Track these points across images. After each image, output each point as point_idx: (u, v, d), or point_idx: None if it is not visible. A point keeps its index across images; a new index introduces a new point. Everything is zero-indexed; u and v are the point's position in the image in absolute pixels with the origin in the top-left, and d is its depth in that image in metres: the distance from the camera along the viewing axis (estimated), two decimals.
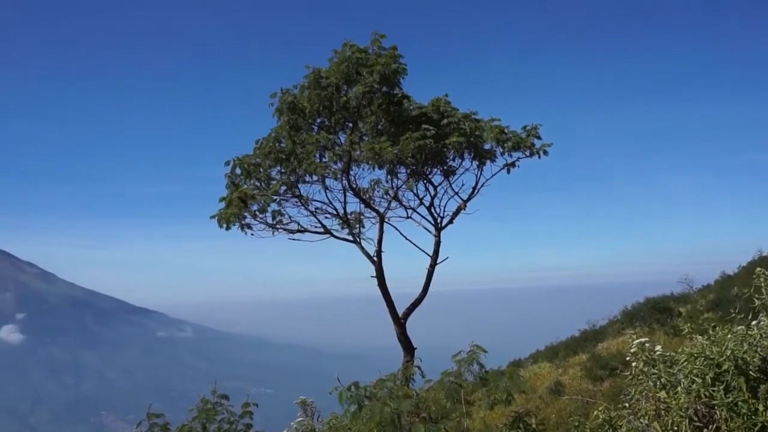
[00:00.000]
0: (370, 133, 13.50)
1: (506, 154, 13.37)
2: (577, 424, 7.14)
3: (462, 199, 14.03)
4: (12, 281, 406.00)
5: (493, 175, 13.76)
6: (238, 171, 13.34)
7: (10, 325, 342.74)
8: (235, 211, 13.00)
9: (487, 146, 13.38)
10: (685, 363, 5.50)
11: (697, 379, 5.33)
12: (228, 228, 13.23)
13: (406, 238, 14.21)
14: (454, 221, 14.22)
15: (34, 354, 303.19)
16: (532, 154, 13.25)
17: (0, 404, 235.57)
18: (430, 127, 12.49)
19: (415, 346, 13.76)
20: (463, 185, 14.03)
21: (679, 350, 5.74)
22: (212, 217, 13.30)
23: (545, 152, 13.21)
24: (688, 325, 6.35)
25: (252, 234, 13.63)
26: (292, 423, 12.98)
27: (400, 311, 14.04)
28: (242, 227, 13.42)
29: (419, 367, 9.93)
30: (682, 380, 5.45)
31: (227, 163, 13.35)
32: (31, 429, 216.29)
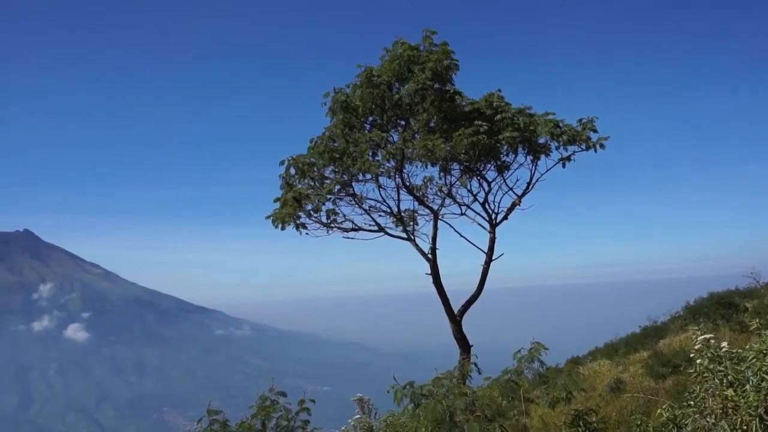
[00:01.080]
0: (423, 130, 13.42)
1: (561, 148, 13.13)
2: (639, 422, 7.00)
3: (516, 195, 13.87)
4: (77, 281, 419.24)
5: (548, 170, 13.55)
6: (292, 171, 13.44)
7: (76, 323, 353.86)
8: (290, 210, 13.10)
9: (541, 140, 13.17)
10: (754, 360, 5.34)
11: (767, 376, 5.17)
12: (283, 228, 13.36)
13: (461, 235, 14.11)
14: (508, 217, 14.06)
15: (98, 352, 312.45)
16: (588, 148, 12.97)
17: (68, 401, 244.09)
18: (483, 123, 12.37)
19: (471, 344, 13.67)
20: (517, 180, 13.87)
21: (747, 347, 5.56)
22: (267, 217, 13.44)
23: (602, 146, 12.91)
24: (757, 320, 6.15)
25: (307, 233, 13.72)
26: (349, 420, 13.05)
27: (456, 308, 13.95)
28: (297, 227, 13.51)
29: (476, 365, 9.85)
30: (751, 378, 5.29)
31: (282, 163, 13.47)
32: (96, 424, 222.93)
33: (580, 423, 8.51)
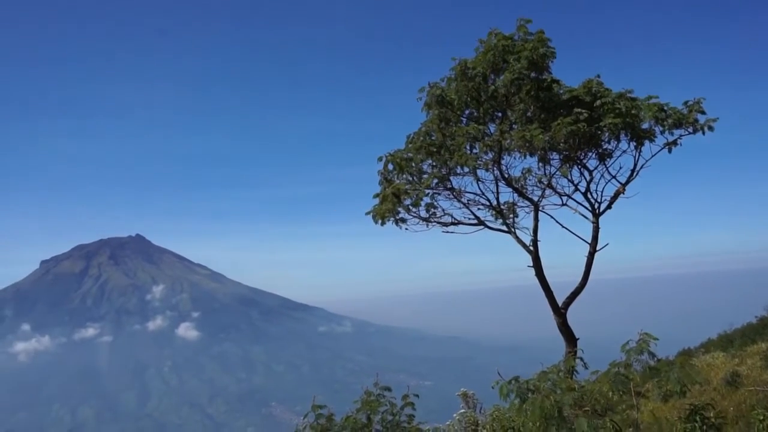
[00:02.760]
0: (520, 121, 13.20)
1: (666, 132, 12.59)
2: (762, 417, 6.68)
3: (620, 183, 13.40)
4: (187, 282, 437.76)
5: (652, 156, 13.01)
6: (390, 167, 13.53)
7: (187, 323, 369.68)
8: (389, 206, 13.21)
9: (645, 125, 12.66)
10: None
11: None
12: (383, 223, 13.48)
13: (563, 226, 13.78)
14: (612, 206, 13.63)
15: (208, 349, 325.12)
16: (695, 131, 12.37)
17: (182, 396, 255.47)
18: (583, 110, 12.04)
19: (577, 337, 13.38)
20: (620, 168, 13.37)
21: None
22: (368, 213, 13.60)
23: (710, 128, 12.24)
24: None
25: (406, 228, 13.80)
26: (454, 414, 13.07)
27: (560, 301, 13.68)
28: (397, 222, 13.60)
29: (582, 359, 9.65)
30: None
31: (380, 160, 13.58)
32: (209, 418, 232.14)
33: (697, 418, 8.20)
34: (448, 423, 12.77)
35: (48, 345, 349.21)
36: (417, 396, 11.38)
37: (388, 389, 11.39)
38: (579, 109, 12.06)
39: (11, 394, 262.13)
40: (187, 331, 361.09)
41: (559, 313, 13.49)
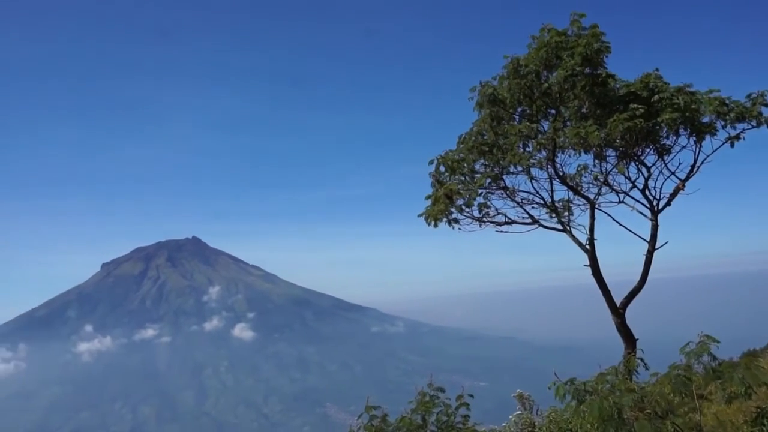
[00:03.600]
0: (574, 117, 12.97)
1: (729, 126, 12.22)
2: None
3: (679, 179, 13.05)
4: (242, 283, 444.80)
5: (714, 151, 12.62)
6: (442, 168, 13.48)
7: (242, 323, 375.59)
8: (442, 207, 13.16)
9: (705, 120, 12.32)
10: None
11: None
12: (436, 225, 13.44)
13: (620, 224, 13.48)
14: (671, 203, 13.29)
15: (264, 349, 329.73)
16: (759, 124, 11.96)
17: (238, 395, 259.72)
18: (639, 106, 11.76)
19: (636, 337, 13.09)
20: (680, 164, 13.00)
21: None
22: (420, 215, 13.58)
23: None
24: None
25: (459, 229, 13.71)
26: (510, 416, 12.91)
27: (618, 300, 13.41)
28: (449, 222, 13.54)
29: (642, 360, 9.43)
30: None
31: (431, 162, 13.54)
32: (265, 418, 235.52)
33: (764, 421, 7.91)
34: (504, 425, 12.64)
35: (109, 345, 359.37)
36: (472, 396, 11.30)
37: (442, 390, 11.34)
38: (635, 105, 11.79)
39: (76, 393, 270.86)
40: (242, 331, 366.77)
41: (618, 313, 13.22)
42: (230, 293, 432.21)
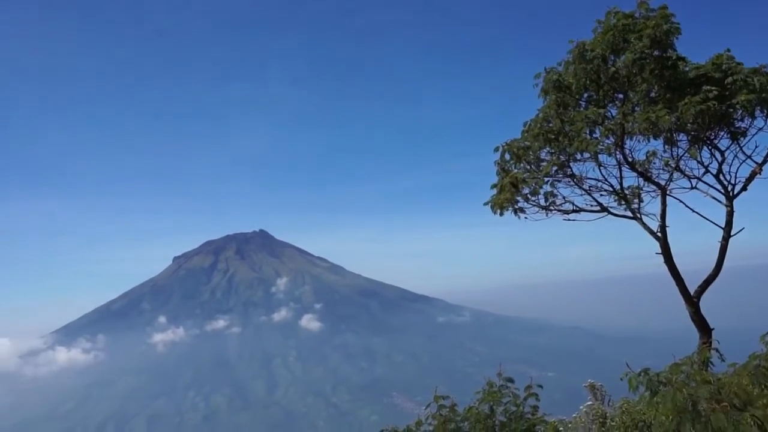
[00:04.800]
0: (643, 102, 12.64)
1: None
2: None
3: (756, 163, 12.58)
4: (308, 275, 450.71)
5: None
6: (507, 156, 13.36)
7: (309, 314, 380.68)
8: (508, 196, 13.06)
9: None
10: None
11: None
12: (501, 214, 13.35)
13: (693, 210, 13.09)
14: (747, 188, 12.82)
15: (331, 340, 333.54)
16: None
17: (307, 385, 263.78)
18: (712, 88, 11.39)
19: (711, 327, 12.72)
20: (756, 147, 12.54)
21: None
22: (486, 204, 13.51)
23: None
24: None
25: (525, 217, 13.59)
26: (581, 406, 12.76)
27: (692, 289, 13.04)
28: (515, 211, 13.43)
29: (717, 350, 9.18)
30: None
31: (496, 150, 13.44)
32: (334, 407, 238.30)
33: None
34: (574, 415, 12.50)
35: (182, 336, 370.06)
36: (541, 387, 11.23)
37: (511, 380, 11.30)
38: (708, 87, 11.43)
39: (151, 382, 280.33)
40: (309, 322, 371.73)
41: (692, 302, 12.86)
42: (297, 285, 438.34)
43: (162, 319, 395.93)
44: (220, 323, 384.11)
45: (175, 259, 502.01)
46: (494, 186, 13.46)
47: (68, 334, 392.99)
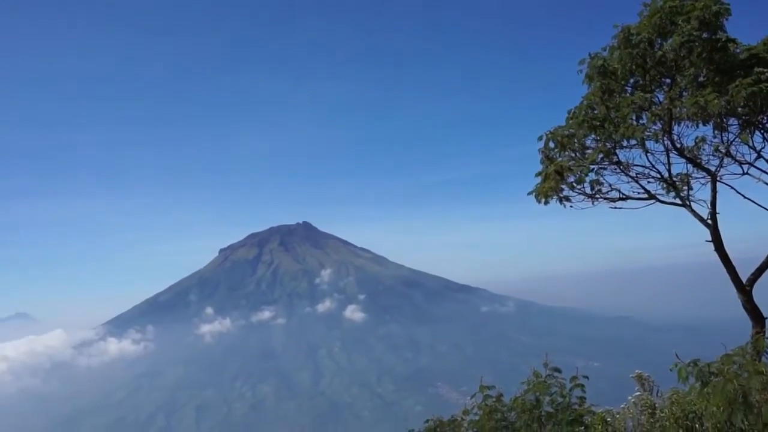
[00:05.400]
0: (691, 86, 12.32)
1: None
2: None
3: None
4: (352, 266, 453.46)
5: None
6: (551, 144, 13.21)
7: (353, 305, 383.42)
8: (552, 184, 12.89)
9: None
10: None
11: None
12: (546, 203, 13.20)
13: (744, 197, 12.77)
14: None
15: (375, 330, 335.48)
16: None
17: (352, 375, 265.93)
18: (764, 70, 11.05)
19: (765, 316, 12.41)
20: None
21: None
22: (530, 193, 13.37)
23: None
24: None
25: (571, 206, 13.41)
26: (629, 397, 12.58)
27: (744, 277, 12.72)
28: (560, 200, 13.26)
29: None
30: None
31: (539, 139, 13.29)
32: (379, 397, 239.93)
33: None
34: (622, 406, 12.33)
35: (229, 327, 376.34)
36: (587, 378, 11.12)
37: (558, 370, 11.22)
38: (760, 69, 11.10)
39: (199, 373, 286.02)
40: (353, 313, 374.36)
41: (744, 290, 12.54)
42: (341, 276, 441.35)
43: (209, 310, 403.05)
44: (266, 314, 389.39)
45: (221, 251, 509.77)
46: (538, 174, 13.31)
47: (119, 325, 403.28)
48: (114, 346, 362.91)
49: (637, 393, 12.65)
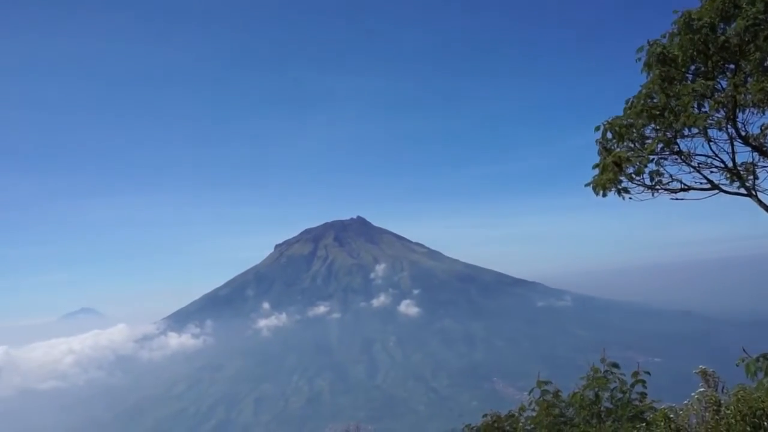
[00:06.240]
0: (756, 72, 11.88)
1: None
2: None
3: None
4: (406, 261, 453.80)
5: None
6: (609, 135, 12.91)
7: (407, 300, 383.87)
8: (611, 176, 12.60)
9: None
10: None
11: None
12: (604, 194, 12.91)
13: None
14: None
15: (430, 325, 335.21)
16: None
17: (407, 369, 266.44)
18: None
19: None
20: None
21: None
22: (587, 185, 13.10)
23: None
24: None
25: (630, 198, 13.09)
26: (693, 394, 12.24)
27: None
28: (619, 192, 12.95)
29: None
30: None
31: (597, 129, 13.00)
32: (434, 392, 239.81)
33: None
34: (685, 403, 12.01)
35: (285, 321, 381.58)
36: (648, 373, 10.88)
37: (616, 366, 10.99)
38: None
39: (257, 366, 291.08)
40: (408, 307, 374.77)
41: None
42: (395, 270, 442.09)
43: (266, 305, 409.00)
44: (321, 309, 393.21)
45: (277, 247, 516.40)
46: (596, 166, 13.02)
47: (178, 320, 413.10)
48: (174, 341, 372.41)
49: (701, 389, 12.30)
